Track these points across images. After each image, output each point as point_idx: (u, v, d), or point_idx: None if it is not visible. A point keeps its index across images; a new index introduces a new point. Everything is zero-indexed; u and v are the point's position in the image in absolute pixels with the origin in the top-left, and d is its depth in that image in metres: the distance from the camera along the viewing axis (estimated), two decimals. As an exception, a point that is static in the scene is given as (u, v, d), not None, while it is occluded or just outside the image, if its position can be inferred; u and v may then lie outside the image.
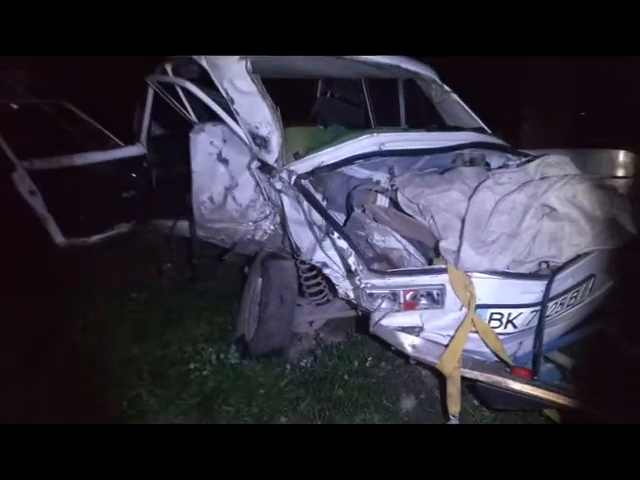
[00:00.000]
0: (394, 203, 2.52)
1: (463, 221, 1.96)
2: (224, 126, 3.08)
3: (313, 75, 3.62)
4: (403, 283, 1.87)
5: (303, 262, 2.76)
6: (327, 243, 2.08)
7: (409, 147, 2.33)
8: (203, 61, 2.63)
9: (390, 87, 3.79)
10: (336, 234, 1.94)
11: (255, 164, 2.67)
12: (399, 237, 2.16)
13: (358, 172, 2.64)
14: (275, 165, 2.43)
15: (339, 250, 1.95)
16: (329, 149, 2.31)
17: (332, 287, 2.48)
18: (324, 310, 2.83)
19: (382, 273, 1.89)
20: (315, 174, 2.30)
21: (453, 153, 2.50)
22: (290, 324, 2.60)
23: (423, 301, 1.87)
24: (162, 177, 4.04)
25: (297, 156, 2.37)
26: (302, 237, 2.39)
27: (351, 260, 1.90)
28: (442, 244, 1.96)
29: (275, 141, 2.42)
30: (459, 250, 1.89)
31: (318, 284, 2.80)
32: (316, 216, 2.06)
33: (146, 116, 3.83)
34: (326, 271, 2.25)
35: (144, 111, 3.82)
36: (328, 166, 2.28)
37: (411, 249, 2.11)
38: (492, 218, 1.96)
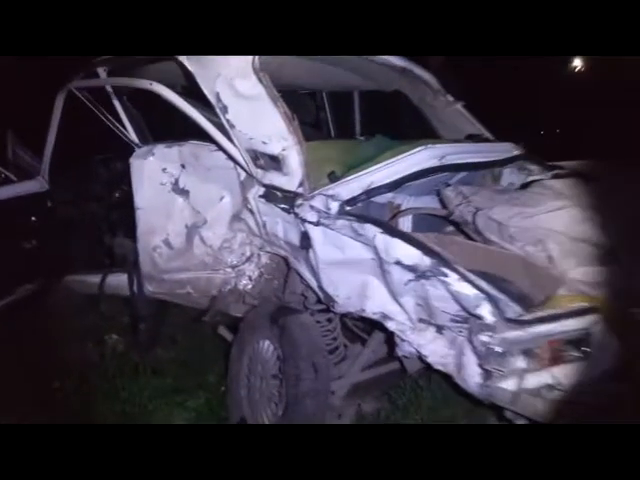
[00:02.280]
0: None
1: (593, 244, 1.60)
2: (183, 147, 2.42)
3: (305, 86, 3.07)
4: (547, 332, 1.43)
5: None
6: (411, 288, 1.56)
7: (472, 160, 1.93)
8: (183, 56, 1.94)
9: (348, 100, 3.40)
10: (453, 275, 1.43)
11: (255, 192, 2.05)
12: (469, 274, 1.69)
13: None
14: (300, 190, 1.84)
15: (457, 296, 1.43)
16: (378, 166, 1.79)
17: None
18: (345, 372, 2.25)
19: (523, 322, 1.42)
20: (364, 199, 1.77)
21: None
22: (328, 398, 1.99)
23: (571, 352, 1.45)
24: (75, 218, 3.13)
25: (333, 177, 1.81)
26: (343, 282, 1.85)
27: (485, 309, 1.40)
28: (576, 275, 1.56)
29: (295, 159, 1.84)
30: (599, 281, 1.51)
31: (335, 339, 2.26)
32: (401, 252, 1.52)
33: (50, 139, 2.92)
34: (389, 324, 1.73)
35: (48, 132, 2.90)
36: (380, 187, 1.76)
37: (491, 289, 1.65)
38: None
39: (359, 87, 2.99)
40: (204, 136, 2.33)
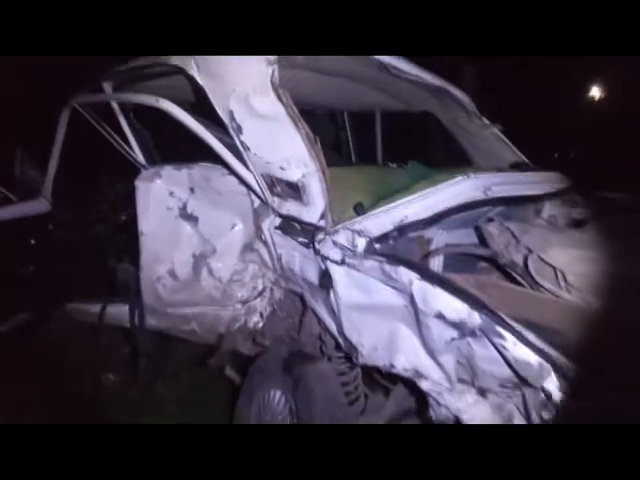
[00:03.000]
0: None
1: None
2: (193, 169, 2.20)
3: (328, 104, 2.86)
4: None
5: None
6: (454, 346, 1.30)
7: (520, 192, 1.68)
8: (193, 68, 1.73)
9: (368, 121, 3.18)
10: (510, 337, 1.16)
11: (271, 222, 1.82)
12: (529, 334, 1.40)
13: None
14: (322, 223, 1.60)
15: (515, 363, 1.17)
16: (412, 197, 1.55)
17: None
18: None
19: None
20: (396, 236, 1.52)
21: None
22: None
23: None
24: (77, 242, 2.92)
25: (360, 209, 1.57)
26: (369, 330, 1.61)
27: (552, 383, 1.13)
28: None
29: (316, 188, 1.61)
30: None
31: (356, 388, 2.00)
32: (445, 305, 1.27)
33: (54, 158, 2.74)
34: (424, 384, 1.48)
35: (52, 150, 2.73)
36: (416, 223, 1.51)
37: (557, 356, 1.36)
38: None
39: (384, 107, 2.77)
40: (215, 158, 2.16)
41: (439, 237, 1.98)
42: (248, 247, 2.19)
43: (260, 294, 2.21)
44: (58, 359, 2.82)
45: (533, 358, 1.15)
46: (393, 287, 1.44)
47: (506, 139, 2.35)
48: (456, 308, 1.24)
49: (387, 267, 1.39)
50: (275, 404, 1.90)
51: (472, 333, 1.24)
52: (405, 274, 1.34)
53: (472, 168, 1.81)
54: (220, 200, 2.19)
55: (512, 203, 1.68)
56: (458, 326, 1.25)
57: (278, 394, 1.90)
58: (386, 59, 1.87)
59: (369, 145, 3.23)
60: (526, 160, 2.30)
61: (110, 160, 3.36)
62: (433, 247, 1.82)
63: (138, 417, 2.33)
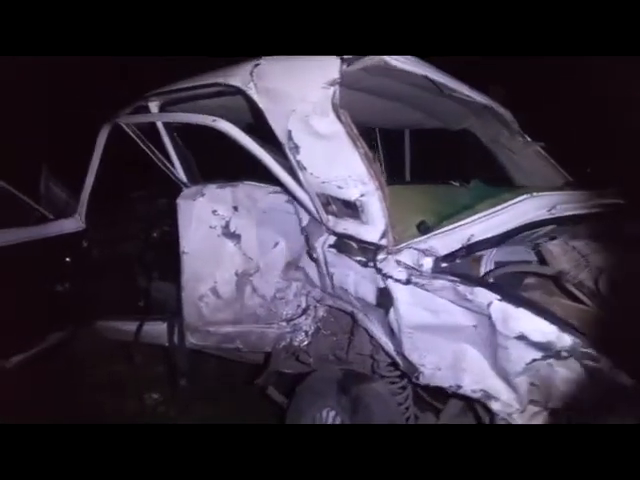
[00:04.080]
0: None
1: None
2: (237, 188, 2.21)
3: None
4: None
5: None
6: (532, 367, 1.28)
7: (583, 211, 1.67)
8: (251, 89, 1.73)
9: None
10: (605, 360, 1.14)
11: (324, 240, 1.81)
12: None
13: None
14: (383, 242, 1.59)
15: (611, 385, 1.15)
16: (478, 216, 1.55)
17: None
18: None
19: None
20: (463, 255, 1.51)
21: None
22: None
23: None
24: (111, 260, 2.92)
25: (424, 228, 1.57)
26: (431, 350, 1.59)
27: None
28: None
29: (376, 207, 1.61)
30: None
31: (407, 409, 1.97)
32: (530, 326, 1.25)
33: (90, 176, 2.74)
34: (494, 405, 1.46)
35: (88, 168, 2.73)
36: (483, 242, 1.51)
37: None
38: None
39: (421, 125, 2.77)
40: (260, 177, 2.16)
41: (489, 255, 1.97)
42: (292, 265, 2.18)
43: (304, 312, 2.19)
44: (89, 377, 2.79)
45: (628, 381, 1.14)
46: (464, 307, 1.42)
47: (548, 157, 2.35)
48: (543, 330, 1.23)
49: (461, 287, 1.38)
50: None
51: (557, 355, 1.23)
52: (483, 295, 1.33)
53: (534, 187, 1.80)
54: (264, 218, 2.19)
55: (576, 221, 1.67)
56: (543, 347, 1.24)
57: (332, 414, 1.87)
58: (436, 76, 1.88)
59: (399, 163, 3.24)
60: (569, 178, 2.30)
61: (143, 178, 3.41)
62: (483, 265, 1.81)
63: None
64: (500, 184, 2.19)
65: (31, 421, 2.06)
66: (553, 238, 1.65)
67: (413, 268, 1.52)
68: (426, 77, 1.82)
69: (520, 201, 1.57)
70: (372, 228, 1.63)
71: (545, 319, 1.24)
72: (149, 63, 3.75)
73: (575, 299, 1.61)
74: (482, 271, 1.84)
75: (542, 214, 1.56)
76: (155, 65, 3.84)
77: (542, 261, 1.76)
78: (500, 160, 2.51)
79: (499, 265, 1.81)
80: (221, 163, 2.62)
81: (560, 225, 1.63)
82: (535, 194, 1.60)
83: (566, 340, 1.21)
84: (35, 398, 2.44)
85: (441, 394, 2.10)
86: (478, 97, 2.12)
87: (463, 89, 2.02)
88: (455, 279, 1.40)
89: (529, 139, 2.38)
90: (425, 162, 3.18)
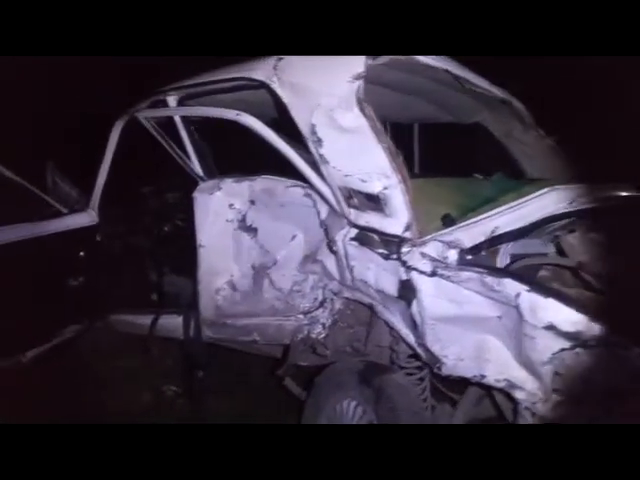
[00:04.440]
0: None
1: None
2: (254, 182, 2.22)
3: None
4: None
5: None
6: (559, 356, 1.31)
7: (604, 204, 1.70)
8: (275, 82, 1.75)
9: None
10: (636, 349, 1.17)
11: (345, 233, 1.83)
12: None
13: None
14: (407, 235, 1.61)
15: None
16: (502, 209, 1.57)
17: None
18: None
19: None
20: (487, 247, 1.54)
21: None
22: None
23: None
24: (123, 254, 2.93)
25: (448, 220, 1.59)
26: (454, 341, 1.62)
27: None
28: None
29: (399, 200, 1.63)
30: None
31: (425, 400, 2.00)
32: (559, 316, 1.28)
33: (103, 170, 2.75)
34: (519, 394, 1.48)
35: (102, 162, 2.73)
36: (507, 234, 1.53)
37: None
38: None
39: (434, 119, 2.79)
40: (280, 171, 2.18)
41: (506, 248, 1.99)
42: (309, 258, 2.20)
43: (321, 305, 2.21)
44: (104, 370, 2.81)
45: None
46: (490, 298, 1.45)
47: (562, 151, 2.37)
48: (572, 320, 1.26)
49: (489, 279, 1.40)
50: (350, 416, 1.90)
51: (585, 344, 1.25)
52: (511, 286, 1.36)
53: (552, 180, 1.83)
54: (281, 212, 2.21)
55: (596, 214, 1.70)
56: (571, 337, 1.26)
57: (353, 405, 1.90)
58: (458, 71, 1.90)
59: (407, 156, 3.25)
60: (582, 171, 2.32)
61: (153, 173, 3.41)
62: (500, 258, 1.83)
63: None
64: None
65: (45, 416, 2.13)
66: (572, 230, 1.67)
67: (438, 260, 1.54)
68: (447, 71, 1.84)
69: (543, 194, 1.59)
70: (395, 221, 1.65)
71: (575, 309, 1.27)
72: (153, 63, 3.73)
73: (594, 290, 1.64)
74: (498, 263, 1.87)
75: (564, 207, 1.58)
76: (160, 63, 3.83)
77: (560, 253, 1.79)
78: (512, 154, 2.54)
79: (515, 258, 1.84)
80: (235, 158, 2.65)
81: (580, 217, 1.65)
82: (556, 187, 1.62)
83: (595, 329, 1.24)
84: (50, 393, 2.47)
85: (457, 385, 2.16)
86: (497, 91, 2.15)
87: (483, 83, 2.04)
88: (482, 270, 1.43)
89: (542, 132, 2.40)
90: (434, 156, 3.20)
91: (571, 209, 1.59)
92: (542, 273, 1.97)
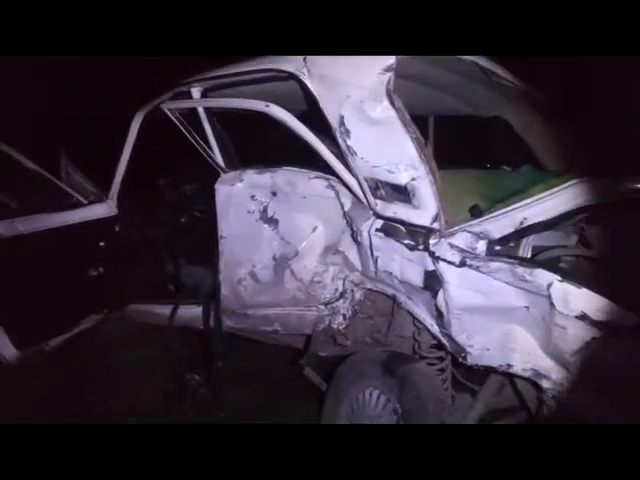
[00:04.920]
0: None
1: None
2: (276, 173, 2.24)
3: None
4: None
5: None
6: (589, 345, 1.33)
7: (630, 196, 1.72)
8: (304, 74, 1.76)
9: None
10: None
11: (371, 224, 1.85)
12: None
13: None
14: (435, 226, 1.63)
15: None
16: (530, 200, 1.59)
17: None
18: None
19: None
20: (516, 238, 1.56)
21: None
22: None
23: None
24: (142, 244, 2.95)
25: (476, 212, 1.61)
26: (480, 331, 1.65)
27: None
28: None
29: (427, 191, 1.65)
30: None
31: (446, 390, 2.03)
32: (593, 306, 1.30)
33: (123, 161, 2.77)
34: (545, 384, 1.51)
35: (121, 153, 2.75)
36: (535, 226, 1.55)
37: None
38: None
39: (454, 112, 2.80)
40: (302, 163, 2.20)
41: (528, 239, 2.01)
42: (330, 249, 2.22)
43: (342, 296, 2.23)
44: (122, 360, 2.84)
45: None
46: (519, 288, 1.47)
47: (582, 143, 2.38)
48: (605, 309, 1.28)
49: (520, 269, 1.42)
50: (373, 405, 1.93)
51: (618, 333, 1.27)
52: (543, 276, 1.38)
53: (581, 172, 1.84)
54: (303, 203, 2.22)
55: (622, 207, 1.71)
56: (604, 326, 1.28)
57: (376, 394, 1.93)
58: (484, 62, 1.91)
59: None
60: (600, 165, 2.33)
61: (173, 163, 3.43)
62: (522, 249, 1.85)
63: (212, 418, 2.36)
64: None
65: (63, 408, 2.16)
66: (596, 222, 1.69)
67: (467, 251, 1.56)
68: (475, 63, 1.85)
69: (571, 186, 1.61)
70: (423, 212, 1.67)
71: (607, 299, 1.29)
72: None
73: (617, 282, 1.65)
74: (521, 255, 1.89)
75: (591, 199, 1.60)
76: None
77: (585, 245, 1.81)
78: (532, 147, 2.54)
79: (537, 250, 1.86)
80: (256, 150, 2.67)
81: (605, 210, 1.67)
82: (584, 179, 1.64)
83: (628, 318, 1.26)
84: (68, 383, 2.51)
85: (477, 376, 2.18)
86: (520, 83, 2.16)
87: (509, 75, 2.05)
88: (513, 261, 1.45)
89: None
90: (449, 148, 3.21)
91: (598, 201, 1.60)
92: (562, 265, 1.99)
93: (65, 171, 3.32)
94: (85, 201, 2.83)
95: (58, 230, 2.60)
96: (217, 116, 2.43)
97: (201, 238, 2.81)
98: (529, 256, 1.77)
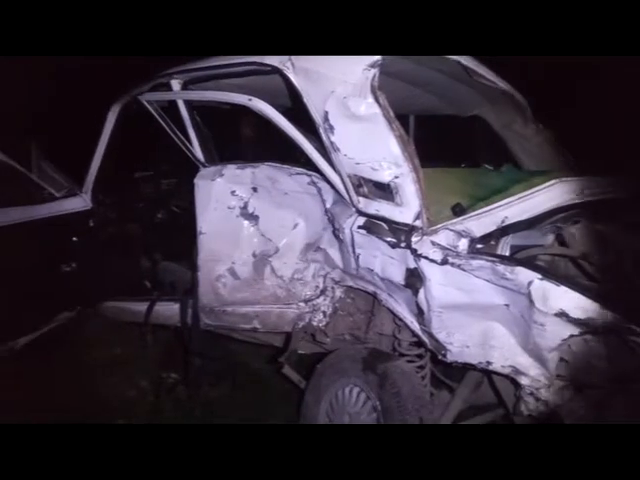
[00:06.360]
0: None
1: None
2: (257, 169, 2.23)
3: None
4: None
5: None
6: (567, 343, 1.36)
7: (611, 196, 1.75)
8: (289, 69, 1.75)
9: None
10: None
11: (353, 221, 1.85)
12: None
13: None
14: (417, 224, 1.64)
15: None
16: (512, 199, 1.62)
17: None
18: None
19: None
20: (498, 236, 1.58)
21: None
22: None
23: None
24: (117, 240, 2.90)
25: (459, 210, 1.63)
26: (460, 328, 1.67)
27: None
28: None
29: (410, 188, 1.66)
30: None
31: (425, 387, 2.05)
32: (571, 304, 1.32)
33: (98, 154, 2.71)
34: (523, 380, 1.54)
35: (96, 146, 2.69)
36: (517, 224, 1.58)
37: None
38: None
39: (434, 111, 2.83)
40: (282, 159, 2.19)
41: (506, 239, 2.04)
42: (311, 246, 2.22)
43: (322, 293, 2.24)
44: (97, 358, 2.78)
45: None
46: (500, 286, 1.49)
47: (558, 145, 2.43)
48: (584, 306, 1.31)
49: (500, 267, 1.45)
50: (353, 402, 1.94)
51: (595, 330, 1.31)
52: (524, 274, 1.40)
53: (561, 172, 1.88)
54: (284, 200, 2.22)
55: (602, 206, 1.76)
56: (582, 323, 1.32)
57: (356, 391, 1.93)
58: (468, 62, 1.93)
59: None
60: (580, 165, 2.39)
61: (150, 157, 3.37)
62: (500, 249, 1.88)
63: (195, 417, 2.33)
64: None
65: (42, 408, 2.11)
66: (576, 222, 1.73)
67: (449, 249, 1.58)
68: (459, 62, 1.87)
69: (552, 185, 1.64)
70: (406, 209, 1.68)
71: (586, 297, 1.32)
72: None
73: (595, 280, 1.70)
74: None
75: (572, 198, 1.64)
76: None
77: (562, 244, 1.85)
78: (510, 146, 2.59)
79: (515, 249, 1.89)
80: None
81: (585, 209, 1.71)
82: (564, 179, 1.68)
83: (608, 316, 1.29)
84: (43, 382, 2.44)
85: (455, 373, 2.21)
86: (501, 83, 2.19)
87: (491, 75, 2.08)
88: (494, 259, 1.47)
89: (541, 126, 2.46)
90: (429, 147, 3.24)
91: (579, 200, 1.64)
92: (539, 264, 2.04)
93: (36, 164, 3.24)
94: (58, 194, 2.76)
95: (29, 224, 2.54)
96: (197, 110, 2.41)
97: (179, 234, 2.77)
98: (509, 255, 1.81)
